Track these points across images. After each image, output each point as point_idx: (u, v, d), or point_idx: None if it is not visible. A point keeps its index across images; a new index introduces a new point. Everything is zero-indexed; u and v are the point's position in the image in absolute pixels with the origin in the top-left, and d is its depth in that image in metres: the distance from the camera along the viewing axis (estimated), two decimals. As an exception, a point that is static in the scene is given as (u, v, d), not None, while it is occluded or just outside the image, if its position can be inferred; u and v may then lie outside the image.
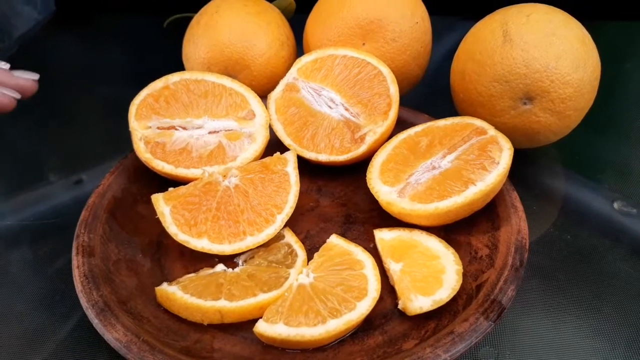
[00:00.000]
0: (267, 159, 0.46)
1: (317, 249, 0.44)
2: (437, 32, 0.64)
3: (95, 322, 0.37)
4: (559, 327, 0.41)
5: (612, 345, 0.40)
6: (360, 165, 0.51)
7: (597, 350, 0.39)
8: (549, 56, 0.47)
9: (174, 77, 0.50)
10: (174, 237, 0.42)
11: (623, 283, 0.44)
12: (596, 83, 0.50)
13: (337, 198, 0.51)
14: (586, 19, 0.52)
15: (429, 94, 0.66)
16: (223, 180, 0.45)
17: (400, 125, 0.52)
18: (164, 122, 0.50)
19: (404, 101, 0.59)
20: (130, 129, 0.49)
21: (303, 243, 0.45)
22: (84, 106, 0.70)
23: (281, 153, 0.50)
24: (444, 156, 0.46)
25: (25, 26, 0.84)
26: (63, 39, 0.84)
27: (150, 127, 0.49)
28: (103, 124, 0.68)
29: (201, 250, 0.42)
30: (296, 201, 0.45)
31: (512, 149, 0.44)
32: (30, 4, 0.86)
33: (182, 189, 0.44)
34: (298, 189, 0.46)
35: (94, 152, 0.61)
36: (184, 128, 0.50)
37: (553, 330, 0.41)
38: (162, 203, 0.43)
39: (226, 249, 0.42)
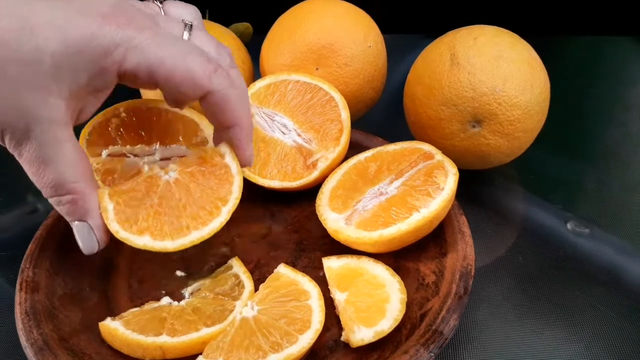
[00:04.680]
0: (203, 152, 0.44)
1: (265, 279, 0.43)
2: (402, 50, 0.65)
3: (33, 361, 0.37)
4: (508, 353, 0.41)
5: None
6: (315, 190, 0.50)
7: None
8: (496, 79, 0.48)
9: (123, 105, 0.50)
10: (115, 235, 0.40)
11: (574, 306, 0.44)
12: (545, 104, 0.51)
13: (290, 224, 0.50)
14: (541, 35, 0.53)
15: (388, 114, 0.66)
16: (164, 175, 0.43)
17: (355, 148, 0.52)
18: (114, 150, 0.49)
19: (361, 122, 0.59)
20: None
21: (252, 273, 0.45)
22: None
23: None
24: (391, 182, 0.46)
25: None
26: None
27: (101, 155, 0.49)
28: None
29: (143, 248, 0.40)
30: (241, 192, 0.43)
31: (457, 174, 0.44)
32: None
33: (124, 184, 0.42)
34: (241, 179, 0.44)
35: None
36: (136, 155, 0.50)
37: (500, 353, 0.41)
38: (106, 199, 0.40)
39: (169, 245, 0.40)
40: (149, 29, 0.36)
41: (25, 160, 0.36)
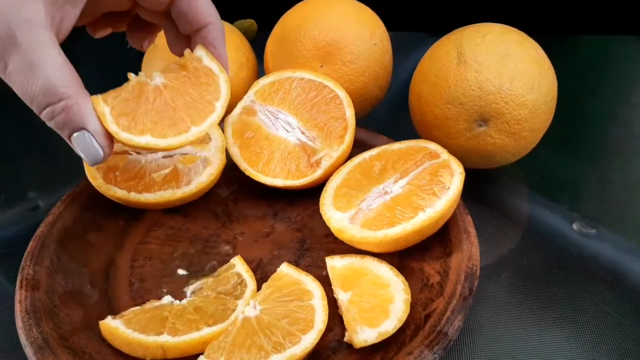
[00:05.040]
0: (181, 60, 0.44)
1: (268, 278, 0.43)
2: (407, 48, 0.64)
3: (33, 360, 0.37)
4: (512, 354, 0.40)
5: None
6: (318, 189, 0.50)
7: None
8: (503, 78, 0.47)
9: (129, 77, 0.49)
10: (116, 137, 0.39)
11: (579, 306, 0.44)
12: (552, 103, 0.50)
13: (293, 223, 0.50)
14: (548, 34, 0.52)
15: (393, 112, 0.65)
16: (151, 81, 0.42)
17: (359, 147, 0.52)
18: (117, 147, 0.49)
19: (367, 120, 0.59)
20: None
21: (255, 272, 0.45)
22: (45, 127, 0.69)
23: (236, 176, 0.49)
24: (396, 181, 0.45)
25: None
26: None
27: None
28: (64, 148, 0.67)
29: (146, 147, 0.40)
30: (229, 88, 0.44)
31: (464, 174, 0.43)
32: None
33: (117, 91, 0.41)
34: (226, 76, 0.44)
35: (53, 176, 0.60)
36: (138, 152, 0.49)
37: (504, 354, 0.40)
38: (102, 103, 0.39)
39: (173, 142, 0.40)
40: None
41: (13, 71, 0.34)
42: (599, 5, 0.81)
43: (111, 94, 0.40)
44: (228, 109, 0.53)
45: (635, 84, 0.74)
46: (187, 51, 0.44)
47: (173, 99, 0.42)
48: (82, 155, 0.38)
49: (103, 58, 0.80)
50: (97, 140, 0.38)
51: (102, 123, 0.38)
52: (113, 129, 0.38)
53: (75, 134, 0.37)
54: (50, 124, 0.37)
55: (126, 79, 0.42)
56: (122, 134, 0.38)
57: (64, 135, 0.37)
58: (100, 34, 0.46)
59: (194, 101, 0.42)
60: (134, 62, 0.64)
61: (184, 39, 0.45)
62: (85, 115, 0.37)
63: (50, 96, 0.35)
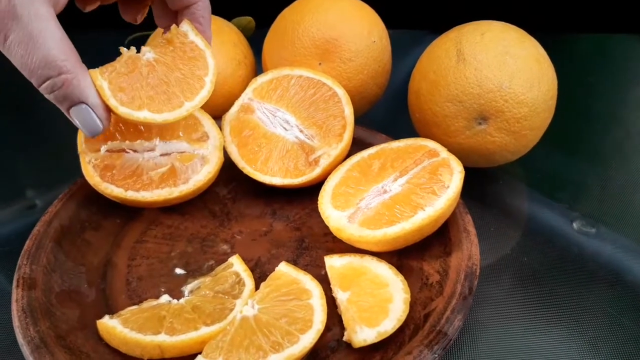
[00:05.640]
0: (167, 36, 0.45)
1: (266, 277, 0.43)
2: (406, 46, 0.64)
3: (30, 359, 0.36)
4: (513, 354, 0.40)
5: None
6: (317, 187, 0.50)
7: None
8: (503, 75, 0.47)
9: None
10: (115, 111, 0.40)
11: (580, 306, 0.43)
12: (552, 102, 0.50)
13: (292, 222, 0.50)
14: (548, 32, 0.52)
15: (392, 110, 0.65)
16: (142, 55, 0.44)
17: (358, 145, 0.52)
18: (113, 145, 0.48)
19: (365, 118, 0.58)
20: (79, 153, 0.47)
21: (253, 271, 0.44)
22: (42, 125, 0.69)
23: (234, 175, 0.49)
24: (395, 179, 0.45)
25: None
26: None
27: (99, 150, 0.48)
28: (61, 146, 0.66)
29: (144, 121, 0.41)
30: (216, 63, 0.45)
31: (463, 172, 0.43)
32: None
33: (112, 65, 0.42)
34: (211, 50, 0.45)
35: (50, 175, 0.60)
36: (135, 150, 0.49)
37: (505, 354, 0.40)
38: (99, 77, 0.40)
39: (168, 117, 0.41)
40: None
41: (12, 44, 0.35)
42: (599, 4, 0.81)
43: (107, 67, 0.41)
44: (226, 108, 0.53)
45: (635, 83, 0.74)
46: (173, 26, 0.45)
47: (166, 75, 0.43)
48: (80, 127, 0.39)
49: (102, 58, 0.80)
50: (96, 114, 0.39)
51: (101, 97, 0.39)
52: (112, 102, 0.39)
53: (74, 107, 0.38)
54: (49, 97, 0.37)
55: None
56: (121, 108, 0.40)
57: (62, 108, 0.38)
58: (90, 7, 0.47)
59: (184, 77, 0.43)
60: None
61: (171, 13, 0.46)
62: (85, 89, 0.38)
63: (50, 69, 0.36)
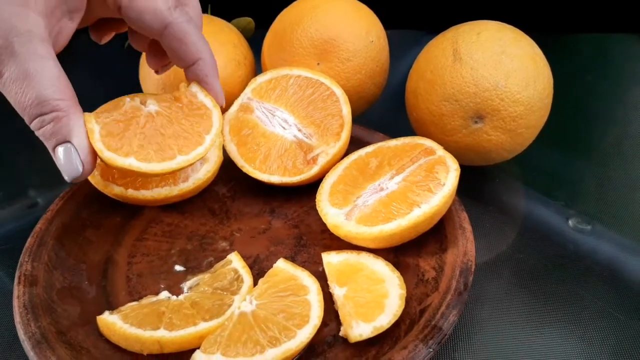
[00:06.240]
0: (176, 92, 0.44)
1: (265, 274, 0.43)
2: (404, 46, 0.64)
3: (31, 354, 0.37)
4: (508, 350, 0.41)
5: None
6: (315, 186, 0.50)
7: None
8: (498, 74, 0.47)
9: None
10: (100, 155, 0.39)
11: (575, 303, 0.44)
12: (548, 100, 0.50)
13: (290, 220, 0.50)
14: (546, 32, 0.52)
15: (390, 110, 0.65)
16: (145, 107, 0.43)
17: (355, 144, 0.52)
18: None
19: (363, 118, 0.59)
20: None
21: (251, 267, 0.45)
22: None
23: (233, 174, 0.49)
24: (392, 177, 0.45)
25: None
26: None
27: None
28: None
29: (128, 168, 0.39)
30: (222, 123, 0.45)
31: (459, 170, 0.44)
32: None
33: (110, 111, 0.41)
34: (219, 111, 0.44)
35: (52, 174, 0.60)
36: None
37: (501, 351, 0.40)
38: (93, 121, 0.39)
39: (155, 167, 0.40)
40: None
41: (8, 80, 0.35)
42: (597, 3, 0.81)
43: (104, 112, 0.41)
44: (225, 108, 0.54)
45: (632, 82, 0.75)
46: (182, 85, 0.44)
47: (163, 126, 0.42)
48: (62, 169, 0.38)
49: (101, 57, 0.81)
50: (80, 156, 0.38)
51: (89, 139, 0.38)
52: (98, 146, 0.38)
53: (59, 146, 0.37)
54: (37, 133, 0.37)
55: (123, 88, 0.42)
56: (106, 153, 0.39)
57: (49, 146, 0.37)
58: (105, 39, 0.47)
59: (184, 131, 0.43)
60: (132, 61, 0.64)
61: (163, 55, 0.45)
62: (74, 128, 0.37)
63: (42, 107, 0.35)
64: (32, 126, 0.37)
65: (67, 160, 0.37)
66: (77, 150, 0.37)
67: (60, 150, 0.37)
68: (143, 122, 0.42)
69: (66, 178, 0.38)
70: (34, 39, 0.35)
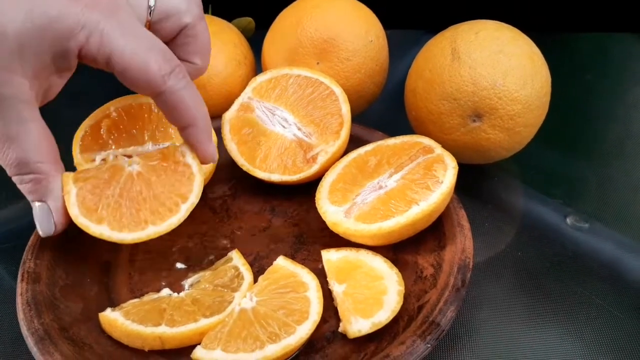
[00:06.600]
0: (165, 150, 0.44)
1: (265, 271, 0.44)
2: (404, 46, 0.65)
3: (34, 350, 0.37)
4: (506, 347, 0.41)
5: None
6: (315, 184, 0.51)
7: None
8: (496, 73, 0.48)
9: (114, 104, 0.49)
10: (74, 220, 0.40)
11: (573, 300, 0.44)
12: (546, 99, 0.51)
13: (290, 218, 0.51)
14: (546, 32, 0.52)
15: (389, 109, 0.66)
16: (128, 166, 0.43)
17: (355, 143, 0.52)
18: (108, 153, 0.49)
19: (363, 117, 0.59)
20: (76, 165, 0.48)
21: (252, 265, 0.45)
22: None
23: (234, 172, 0.50)
24: (391, 175, 0.46)
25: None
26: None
27: (94, 160, 0.48)
28: (62, 146, 0.67)
29: (100, 237, 0.40)
30: (202, 190, 0.44)
31: (457, 168, 0.44)
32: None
33: (90, 171, 0.42)
34: (202, 178, 0.44)
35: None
36: (129, 156, 0.49)
37: (499, 350, 0.41)
38: (71, 182, 0.40)
39: (126, 237, 0.41)
40: (115, 14, 0.36)
41: None
42: (596, 3, 0.82)
43: (83, 173, 0.42)
44: (225, 107, 0.54)
45: (631, 82, 0.75)
46: (172, 146, 0.44)
47: (142, 192, 0.42)
48: (37, 222, 0.40)
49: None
50: (54, 217, 0.40)
51: (65, 202, 0.40)
52: (73, 212, 0.40)
53: (36, 203, 0.39)
54: (18, 186, 0.39)
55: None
56: (80, 219, 0.40)
57: (28, 199, 0.40)
58: None
59: (162, 197, 0.42)
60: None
61: None
62: (51, 191, 0.39)
63: (22, 168, 0.37)
64: (13, 180, 0.38)
65: (42, 218, 0.40)
66: (52, 211, 0.40)
67: (37, 205, 0.40)
68: (122, 184, 0.42)
69: (39, 232, 0.41)
70: (18, 104, 0.35)
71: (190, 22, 0.43)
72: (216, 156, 0.45)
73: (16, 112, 0.35)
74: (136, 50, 0.36)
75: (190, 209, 0.43)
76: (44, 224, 0.40)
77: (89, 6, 0.35)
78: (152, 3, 0.40)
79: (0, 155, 0.37)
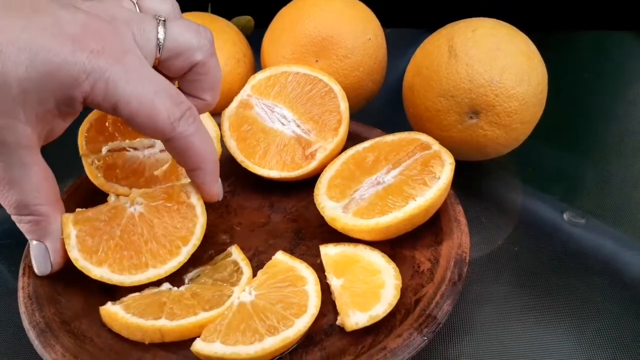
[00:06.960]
0: (170, 188, 0.45)
1: (264, 266, 0.44)
2: (402, 44, 0.65)
3: (36, 343, 0.38)
4: (503, 342, 0.41)
5: None
6: (313, 181, 0.51)
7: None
8: (493, 70, 0.48)
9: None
10: (74, 263, 0.40)
11: (570, 296, 0.45)
12: (543, 96, 0.51)
13: (289, 214, 0.51)
14: (543, 30, 0.53)
15: (387, 106, 0.66)
16: (130, 207, 0.44)
17: (354, 140, 0.53)
18: (114, 145, 0.49)
19: (361, 114, 0.60)
20: (82, 156, 0.49)
21: (251, 260, 0.46)
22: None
23: (233, 169, 0.50)
24: (388, 171, 0.46)
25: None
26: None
27: (101, 151, 0.49)
28: (62, 145, 0.68)
29: (100, 280, 0.41)
30: (203, 233, 0.44)
31: (454, 164, 0.44)
32: None
33: (90, 212, 0.43)
34: (205, 220, 0.44)
35: (53, 171, 0.61)
36: (135, 148, 0.50)
37: (496, 345, 0.41)
38: (70, 225, 0.41)
39: (125, 280, 0.41)
40: (122, 60, 0.35)
41: None
42: (594, 2, 0.82)
43: (83, 214, 0.42)
44: (225, 105, 0.55)
45: (629, 80, 0.75)
46: (177, 185, 0.45)
47: (143, 234, 0.43)
48: (33, 260, 0.41)
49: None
50: (51, 258, 0.40)
51: (64, 244, 0.40)
52: (73, 255, 0.40)
53: (34, 242, 0.40)
54: (17, 225, 0.39)
55: None
56: (81, 262, 0.40)
57: (26, 236, 0.40)
58: None
59: (163, 239, 0.43)
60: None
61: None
62: (50, 232, 0.40)
63: (22, 210, 0.38)
64: (13, 219, 0.39)
65: (39, 258, 0.40)
66: (49, 251, 0.40)
67: (34, 244, 0.40)
68: (123, 226, 0.43)
69: (35, 271, 0.41)
70: (20, 149, 0.36)
71: (201, 59, 0.41)
72: (221, 195, 0.46)
73: (18, 157, 0.36)
74: (143, 97, 0.35)
75: (192, 252, 0.43)
76: (41, 264, 0.41)
77: (95, 53, 0.34)
78: (161, 36, 0.39)
79: (1, 196, 0.37)
